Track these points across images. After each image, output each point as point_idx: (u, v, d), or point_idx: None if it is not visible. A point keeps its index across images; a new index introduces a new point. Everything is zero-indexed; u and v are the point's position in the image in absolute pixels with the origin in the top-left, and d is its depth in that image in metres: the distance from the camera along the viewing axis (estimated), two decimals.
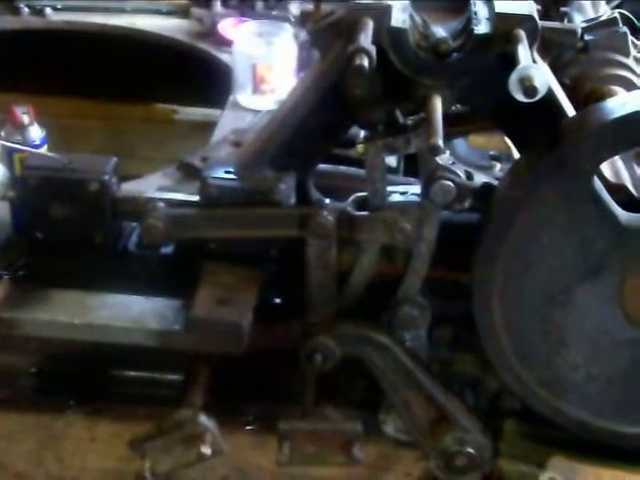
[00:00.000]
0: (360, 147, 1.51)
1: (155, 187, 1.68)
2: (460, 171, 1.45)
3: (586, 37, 1.66)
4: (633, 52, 1.70)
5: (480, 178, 1.51)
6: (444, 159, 1.43)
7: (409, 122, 1.50)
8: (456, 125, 1.66)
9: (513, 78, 1.29)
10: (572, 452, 1.56)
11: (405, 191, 1.54)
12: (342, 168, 1.72)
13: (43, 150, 1.70)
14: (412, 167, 1.60)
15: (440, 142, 1.33)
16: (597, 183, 1.39)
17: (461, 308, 1.53)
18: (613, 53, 1.67)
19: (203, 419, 1.50)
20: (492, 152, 1.96)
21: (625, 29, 1.68)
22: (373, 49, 1.32)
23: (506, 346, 1.49)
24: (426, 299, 1.56)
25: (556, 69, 1.64)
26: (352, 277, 1.54)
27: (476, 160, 1.94)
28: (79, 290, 1.54)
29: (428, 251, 1.50)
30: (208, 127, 2.05)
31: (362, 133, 1.66)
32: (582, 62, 1.67)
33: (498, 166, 1.95)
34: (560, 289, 1.45)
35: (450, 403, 1.55)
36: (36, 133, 1.73)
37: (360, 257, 1.52)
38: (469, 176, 1.48)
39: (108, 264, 1.58)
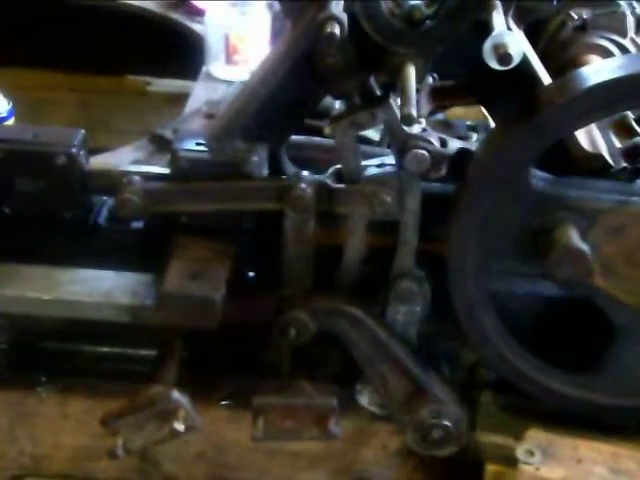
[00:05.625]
0: (327, 129, 1.48)
1: (128, 160, 1.66)
2: (433, 138, 1.42)
3: (584, 15, 1.64)
4: (630, 33, 1.67)
5: (455, 144, 1.48)
6: (415, 127, 1.41)
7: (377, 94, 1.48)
8: (439, 99, 1.64)
9: (487, 45, 1.27)
10: (549, 424, 1.55)
11: (381, 163, 1.52)
12: (317, 139, 1.69)
13: (10, 123, 1.67)
14: None
15: (413, 111, 1.31)
16: None
17: (438, 280, 1.51)
18: (610, 33, 1.65)
19: (176, 395, 1.48)
20: (469, 122, 1.94)
21: (625, 9, 1.66)
22: (344, 17, 1.29)
23: (483, 319, 1.48)
24: (423, 272, 1.53)
25: (555, 49, 1.62)
26: (345, 257, 1.52)
27: (453, 130, 1.92)
28: (48, 265, 1.52)
29: (415, 221, 1.48)
30: (182, 99, 2.03)
31: (338, 104, 1.64)
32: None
33: (475, 136, 1.93)
34: None
35: (425, 376, 1.53)
36: (2, 105, 1.70)
37: (349, 231, 1.50)
38: (443, 143, 1.45)
39: (78, 238, 1.56)
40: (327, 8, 1.30)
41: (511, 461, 1.50)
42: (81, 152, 1.51)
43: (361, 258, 1.51)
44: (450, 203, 1.44)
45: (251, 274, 1.63)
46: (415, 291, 1.51)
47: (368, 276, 1.53)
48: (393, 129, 1.42)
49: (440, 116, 1.80)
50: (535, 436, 1.52)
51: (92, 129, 1.84)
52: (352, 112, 1.44)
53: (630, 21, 1.65)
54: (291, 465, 1.70)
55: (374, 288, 1.53)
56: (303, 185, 1.45)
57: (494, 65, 1.27)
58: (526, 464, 1.48)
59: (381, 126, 1.45)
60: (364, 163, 1.49)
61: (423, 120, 1.60)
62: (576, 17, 1.58)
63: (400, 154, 1.41)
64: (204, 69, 2.05)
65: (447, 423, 1.54)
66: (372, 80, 1.48)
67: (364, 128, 1.45)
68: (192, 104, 1.89)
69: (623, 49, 1.62)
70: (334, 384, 1.60)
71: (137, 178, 1.47)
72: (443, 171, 1.43)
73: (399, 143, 1.41)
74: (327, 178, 1.48)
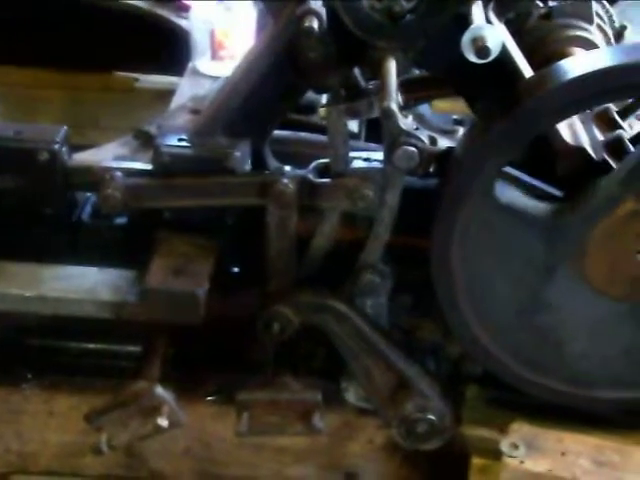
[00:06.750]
0: (322, 111, 1.48)
1: (111, 156, 1.65)
2: (423, 136, 1.42)
3: (550, 3, 1.64)
4: (596, 20, 1.68)
5: (444, 142, 1.48)
6: (407, 124, 1.41)
7: (371, 85, 1.48)
8: (421, 90, 1.64)
9: (465, 39, 1.27)
10: (534, 416, 1.55)
11: (368, 157, 1.52)
12: (302, 134, 1.69)
13: None
14: (374, 132, 1.58)
15: (394, 106, 1.31)
16: (506, 193, 1.40)
17: (422, 274, 1.51)
18: (576, 20, 1.65)
19: (159, 391, 1.48)
20: (455, 116, 1.94)
21: None
22: (323, 11, 1.30)
23: (466, 314, 1.48)
24: (387, 266, 1.54)
25: (520, 34, 1.62)
26: (313, 244, 1.52)
27: (439, 124, 1.92)
28: (31, 262, 1.52)
29: (390, 217, 1.48)
30: (170, 95, 2.01)
31: (324, 98, 1.64)
32: (545, 26, 1.65)
33: (461, 130, 1.93)
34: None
35: (410, 370, 1.54)
36: None
37: (321, 224, 1.50)
38: (433, 141, 1.46)
39: (61, 235, 1.56)
40: (306, 3, 1.30)
41: (496, 454, 1.50)
42: (63, 149, 1.51)
43: (329, 246, 1.51)
44: (433, 198, 1.44)
45: (236, 269, 1.64)
46: (378, 283, 1.51)
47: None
48: (387, 122, 1.41)
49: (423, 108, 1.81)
50: (520, 429, 1.53)
51: (81, 126, 1.83)
52: (350, 98, 1.43)
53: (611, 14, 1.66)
54: (278, 460, 1.70)
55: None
56: (285, 180, 1.45)
57: (472, 58, 1.27)
58: (511, 457, 1.48)
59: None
60: (351, 155, 1.49)
61: (410, 117, 1.61)
62: (542, 5, 1.58)
63: (390, 149, 1.41)
64: (190, 65, 2.04)
65: (432, 417, 1.54)
66: (357, 73, 1.48)
67: (359, 116, 1.44)
68: (178, 100, 1.88)
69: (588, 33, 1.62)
70: (320, 379, 1.60)
71: (119, 174, 1.47)
72: (431, 169, 1.42)
73: (391, 138, 1.41)
74: (309, 173, 1.48)
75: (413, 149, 1.39)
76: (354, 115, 1.45)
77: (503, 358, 1.51)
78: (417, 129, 1.43)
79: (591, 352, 1.50)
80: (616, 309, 1.46)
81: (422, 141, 1.40)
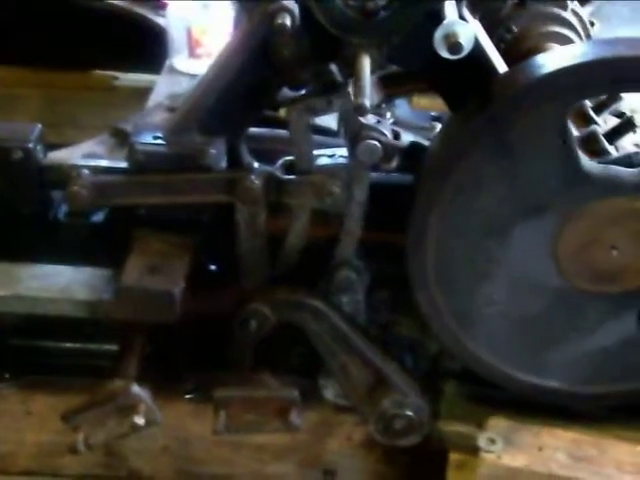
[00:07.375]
0: (283, 111, 1.48)
1: (81, 154, 1.64)
2: (386, 130, 1.42)
3: None
4: (571, 5, 1.68)
5: (408, 137, 1.48)
6: (369, 118, 1.41)
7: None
8: (397, 85, 1.64)
9: (438, 35, 1.27)
10: (512, 412, 1.56)
11: (333, 154, 1.52)
12: (281, 131, 1.69)
13: None
14: None
15: (367, 102, 1.31)
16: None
17: (399, 270, 1.51)
18: (550, 6, 1.66)
19: (136, 389, 1.47)
20: (434, 113, 1.94)
21: None
22: (295, 7, 1.29)
23: (441, 306, 1.48)
24: (363, 262, 1.54)
25: (495, 24, 1.63)
26: (286, 242, 1.52)
27: (418, 121, 1.92)
28: (7, 261, 1.51)
29: (360, 212, 1.48)
30: (150, 93, 2.01)
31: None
32: (521, 16, 1.65)
33: (439, 127, 1.93)
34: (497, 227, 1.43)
35: (387, 366, 1.54)
36: None
37: (293, 221, 1.50)
38: (396, 135, 1.46)
39: (37, 234, 1.55)
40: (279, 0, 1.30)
41: (474, 450, 1.50)
42: (38, 147, 1.51)
43: (303, 244, 1.51)
44: (408, 194, 1.45)
45: (213, 267, 1.63)
46: (354, 279, 1.51)
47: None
48: (348, 118, 1.42)
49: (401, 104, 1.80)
50: (497, 424, 1.53)
51: (59, 125, 1.82)
52: (309, 97, 1.44)
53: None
54: (257, 458, 1.70)
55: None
56: (252, 177, 1.45)
57: (445, 54, 1.28)
58: (488, 452, 1.49)
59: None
60: (317, 152, 1.49)
61: (389, 113, 1.61)
62: None
63: (353, 144, 1.41)
64: (167, 63, 2.04)
65: (409, 413, 1.54)
66: (334, 68, 1.48)
67: (319, 114, 1.45)
68: (155, 98, 1.88)
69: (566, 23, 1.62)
70: (298, 376, 1.60)
71: (86, 171, 1.47)
72: (394, 163, 1.43)
73: (352, 133, 1.41)
74: (276, 169, 1.48)
75: (375, 143, 1.40)
76: (313, 112, 1.45)
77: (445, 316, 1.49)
78: (379, 122, 1.44)
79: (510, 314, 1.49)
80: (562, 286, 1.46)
81: (385, 135, 1.41)
